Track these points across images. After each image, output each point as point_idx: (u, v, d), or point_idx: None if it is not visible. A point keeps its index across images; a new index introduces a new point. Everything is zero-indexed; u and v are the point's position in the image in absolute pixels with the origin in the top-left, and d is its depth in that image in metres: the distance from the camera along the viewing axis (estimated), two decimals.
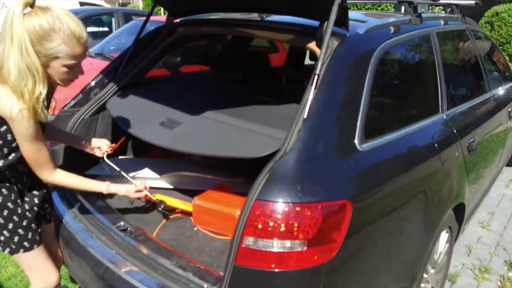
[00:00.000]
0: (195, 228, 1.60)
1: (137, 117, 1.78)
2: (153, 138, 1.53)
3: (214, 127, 1.53)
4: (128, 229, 1.53)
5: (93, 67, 4.04)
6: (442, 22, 2.14)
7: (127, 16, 6.84)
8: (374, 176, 1.24)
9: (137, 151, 2.29)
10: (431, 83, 1.81)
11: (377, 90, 1.40)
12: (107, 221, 1.56)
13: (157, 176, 1.92)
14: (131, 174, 1.94)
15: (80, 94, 1.97)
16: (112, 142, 2.09)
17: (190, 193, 1.88)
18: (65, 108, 1.93)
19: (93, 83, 2.00)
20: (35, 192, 1.44)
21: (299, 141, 1.13)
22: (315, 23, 1.50)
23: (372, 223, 1.21)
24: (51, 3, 1.19)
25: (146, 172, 1.99)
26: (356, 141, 1.24)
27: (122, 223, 1.56)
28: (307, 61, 2.71)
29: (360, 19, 1.64)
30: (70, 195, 1.80)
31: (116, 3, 27.81)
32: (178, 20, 2.10)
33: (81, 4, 8.86)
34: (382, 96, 1.47)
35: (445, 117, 1.80)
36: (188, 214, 1.67)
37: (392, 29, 1.63)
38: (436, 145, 1.59)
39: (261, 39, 1.91)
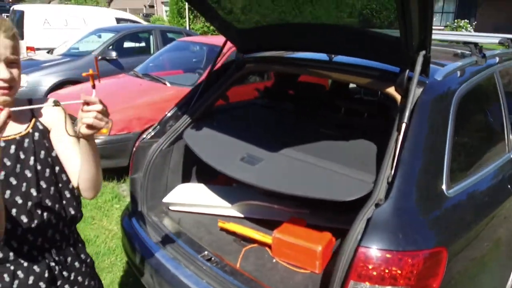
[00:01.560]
0: (274, 260, 1.69)
1: (215, 150, 1.90)
2: (238, 174, 1.64)
3: (295, 166, 1.62)
4: (212, 258, 1.63)
5: (142, 88, 4.25)
6: (501, 58, 2.19)
7: (164, 34, 7.11)
8: (462, 220, 1.31)
9: (200, 177, 2.40)
10: (499, 122, 1.86)
11: (458, 134, 1.47)
12: (191, 250, 1.67)
13: (227, 204, 2.03)
14: (202, 202, 2.06)
15: (158, 126, 2.10)
16: (184, 170, 2.23)
17: (255, 221, 1.99)
18: (145, 139, 2.06)
19: (169, 115, 2.13)
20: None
21: (395, 189, 1.21)
22: (394, 68, 1.59)
23: (463, 266, 1.27)
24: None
25: (214, 200, 2.09)
26: (444, 187, 1.31)
27: (205, 252, 1.66)
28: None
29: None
30: (149, 221, 1.93)
31: (140, 14, 28.83)
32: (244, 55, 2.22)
33: (118, 20, 9.25)
34: (462, 139, 1.54)
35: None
36: (264, 245, 1.76)
37: (464, 72, 1.70)
38: (509, 185, 1.64)
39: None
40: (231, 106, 2.54)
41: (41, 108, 1.10)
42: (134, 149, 2.08)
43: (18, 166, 1.04)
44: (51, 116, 1.13)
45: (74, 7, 10.23)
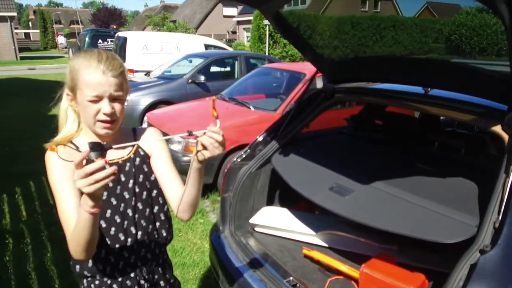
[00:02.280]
0: None
1: (303, 177, 1.95)
2: (327, 204, 1.67)
3: (388, 200, 1.60)
4: (298, 285, 1.66)
5: (229, 111, 4.51)
6: None
7: (247, 60, 7.47)
8: None
9: (283, 201, 2.46)
10: None
11: None
12: (277, 274, 1.72)
13: (311, 232, 2.05)
14: (287, 227, 2.11)
15: (248, 150, 2.22)
16: (268, 193, 2.32)
17: (339, 252, 1.97)
18: (236, 161, 2.20)
19: (259, 139, 2.25)
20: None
21: (503, 236, 1.15)
22: (500, 106, 1.51)
23: None
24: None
25: (298, 225, 2.13)
26: None
27: (291, 278, 1.70)
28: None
29: None
30: (236, 240, 2.03)
31: (224, 39, 30.65)
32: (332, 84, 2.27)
33: (206, 46, 9.95)
34: None
35: None
36: (350, 278, 1.74)
37: None
38: None
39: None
40: (318, 133, 2.59)
41: (167, 139, 1.22)
42: (226, 170, 2.22)
43: (119, 187, 1.14)
44: (152, 144, 1.23)
45: (169, 34, 11.24)
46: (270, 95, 5.10)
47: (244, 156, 2.20)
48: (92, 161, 0.84)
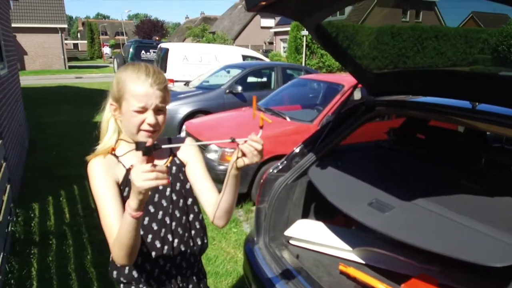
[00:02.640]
0: None
1: (341, 190, 1.92)
2: (366, 220, 1.62)
3: (431, 219, 1.53)
4: None
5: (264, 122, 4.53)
6: None
7: (284, 70, 7.50)
8: None
9: (319, 214, 2.42)
10: None
11: None
12: None
13: (347, 248, 2.00)
14: (323, 241, 2.07)
15: (285, 161, 2.22)
16: (304, 207, 2.29)
17: (377, 270, 1.90)
18: (272, 172, 2.19)
19: (296, 151, 2.23)
20: None
21: None
22: None
23: None
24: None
25: (334, 240, 2.08)
26: None
27: None
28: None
29: None
30: (270, 251, 2.01)
31: (260, 50, 30.98)
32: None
33: (244, 57, 10.10)
34: None
35: None
36: None
37: None
38: None
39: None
40: (357, 146, 2.54)
41: (212, 144, 1.27)
42: (262, 181, 2.22)
43: (157, 196, 1.18)
44: (187, 152, 1.27)
45: (208, 45, 11.53)
46: (307, 106, 5.08)
47: (280, 167, 2.19)
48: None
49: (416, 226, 1.52)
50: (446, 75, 2.00)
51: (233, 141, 1.07)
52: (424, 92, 2.08)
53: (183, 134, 4.78)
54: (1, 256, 2.62)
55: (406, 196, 1.70)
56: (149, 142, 0.91)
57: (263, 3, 1.62)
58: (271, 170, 2.22)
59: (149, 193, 0.92)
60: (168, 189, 1.20)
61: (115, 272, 1.18)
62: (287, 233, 2.11)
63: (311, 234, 2.10)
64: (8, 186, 3.47)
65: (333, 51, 2.11)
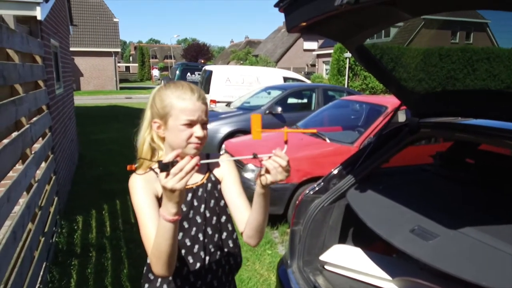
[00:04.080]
0: None
1: (381, 215, 1.81)
2: (408, 248, 1.51)
3: (481, 250, 1.40)
4: None
5: (303, 142, 4.48)
6: None
7: (325, 92, 7.43)
8: None
9: (357, 240, 2.31)
10: None
11: None
12: None
13: (387, 276, 1.87)
14: (360, 268, 1.96)
15: (322, 182, 2.15)
16: (341, 231, 2.19)
17: None
18: (308, 193, 2.13)
19: (334, 172, 2.16)
20: None
21: None
22: None
23: None
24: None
25: (372, 268, 1.96)
26: None
27: None
28: None
29: None
30: (304, 276, 1.93)
31: (302, 72, 31.11)
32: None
33: (285, 79, 10.17)
34: None
35: None
36: None
37: None
38: None
39: None
40: (399, 170, 2.42)
41: (241, 159, 1.25)
42: (297, 202, 2.16)
43: (191, 212, 1.18)
44: (223, 169, 1.27)
45: (250, 67, 11.75)
46: (348, 128, 4.97)
47: (317, 188, 2.13)
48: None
49: (465, 257, 1.39)
50: (497, 95, 1.87)
51: (255, 157, 1.04)
52: (472, 113, 1.95)
53: (222, 152, 4.83)
54: (44, 265, 2.74)
55: (453, 224, 1.57)
56: (193, 156, 0.95)
57: (303, 24, 1.62)
58: (307, 191, 2.16)
59: (184, 196, 0.92)
60: (203, 206, 1.20)
61: (146, 285, 1.19)
62: (323, 258, 2.02)
63: (348, 260, 2.00)
64: (56, 199, 3.66)
65: (376, 72, 2.06)
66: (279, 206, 3.74)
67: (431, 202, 1.85)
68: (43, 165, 3.27)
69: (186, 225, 1.17)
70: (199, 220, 1.18)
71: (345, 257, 2.03)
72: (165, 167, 0.89)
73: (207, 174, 1.24)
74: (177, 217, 0.92)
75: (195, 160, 0.88)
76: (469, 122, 1.95)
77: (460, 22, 2.36)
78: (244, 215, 1.19)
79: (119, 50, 26.79)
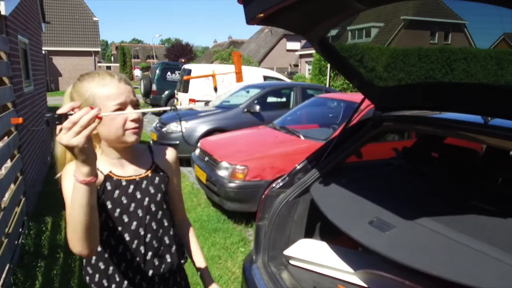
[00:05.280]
0: None
1: (342, 208, 1.82)
2: (364, 239, 1.51)
3: (435, 240, 1.41)
4: None
5: (278, 140, 4.47)
6: None
7: (304, 90, 7.47)
8: None
9: (324, 234, 2.31)
10: None
11: None
12: None
13: (350, 270, 1.88)
14: (324, 262, 1.96)
15: (287, 177, 2.14)
16: (307, 225, 2.18)
17: None
18: (274, 188, 2.12)
19: (298, 167, 2.16)
20: None
21: None
22: None
23: None
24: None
25: (336, 262, 1.96)
26: None
27: None
28: None
29: None
30: (268, 271, 1.92)
31: (286, 72, 31.21)
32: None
33: (265, 78, 10.17)
34: None
35: None
36: None
37: None
38: None
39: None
40: (363, 164, 2.43)
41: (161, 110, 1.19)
42: (263, 197, 2.14)
43: (133, 205, 1.11)
44: (169, 164, 1.23)
45: (229, 66, 11.71)
46: (324, 125, 4.99)
47: (282, 183, 2.12)
48: None
49: (418, 247, 1.40)
50: (458, 89, 1.89)
51: (173, 108, 1.09)
52: (434, 107, 1.97)
53: (197, 151, 4.79)
54: (7, 267, 2.64)
55: (410, 215, 1.58)
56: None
57: (261, 15, 1.60)
58: (272, 186, 2.15)
59: (92, 148, 0.82)
60: (147, 199, 1.14)
61: (87, 278, 1.14)
62: (287, 252, 2.01)
63: (312, 254, 1.99)
64: (23, 199, 3.55)
65: (338, 65, 2.07)
66: (253, 203, 3.72)
67: (392, 195, 1.86)
68: (8, 164, 3.16)
69: (126, 219, 1.11)
70: (140, 214, 1.13)
71: (310, 251, 2.02)
72: (56, 120, 0.78)
73: (152, 167, 1.19)
74: (90, 179, 0.84)
75: (95, 111, 0.79)
76: (428, 115, 1.97)
77: (438, 22, 2.40)
78: (178, 219, 1.31)
79: (99, 49, 26.30)
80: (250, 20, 1.68)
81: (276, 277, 1.87)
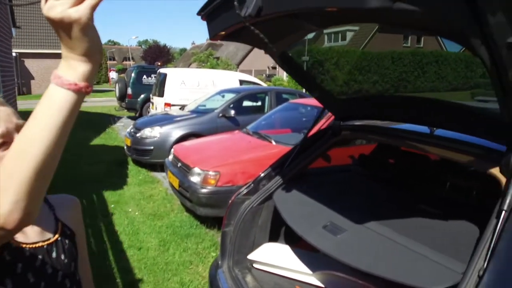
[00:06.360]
0: None
1: (300, 214, 1.93)
2: (317, 242, 1.63)
3: (379, 242, 1.54)
4: None
5: (251, 145, 4.58)
6: None
7: (279, 95, 7.60)
8: None
9: (288, 238, 2.42)
10: None
11: None
12: None
13: (309, 271, 1.99)
14: (285, 264, 2.07)
15: (252, 184, 2.24)
16: (272, 230, 2.29)
17: None
18: (239, 195, 2.21)
19: (262, 175, 2.26)
20: None
21: (482, 286, 1.07)
22: (499, 147, 1.44)
23: None
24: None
25: (297, 264, 2.08)
26: None
27: None
28: None
29: None
30: (232, 275, 2.01)
31: (264, 74, 31.40)
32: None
33: (241, 82, 10.26)
34: None
35: None
36: None
37: None
38: None
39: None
40: (325, 170, 2.56)
41: None
42: (229, 203, 2.24)
43: (43, 284, 0.79)
44: (75, 223, 0.95)
45: (205, 70, 11.76)
46: (296, 130, 5.13)
47: (246, 190, 2.22)
48: None
49: (364, 250, 1.52)
50: (406, 100, 2.04)
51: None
52: (389, 117, 2.12)
53: (171, 157, 4.83)
54: None
55: (360, 219, 1.71)
56: None
57: (222, 33, 1.70)
58: (238, 193, 2.24)
59: (96, 34, 0.55)
60: (60, 273, 0.84)
61: None
62: (251, 256, 2.11)
63: (274, 257, 2.10)
64: None
65: (299, 78, 2.18)
66: (225, 208, 3.79)
67: (346, 200, 1.99)
68: None
69: None
70: None
71: (273, 255, 2.13)
72: None
73: (59, 226, 0.89)
74: (85, 85, 0.56)
75: None
76: (381, 125, 2.11)
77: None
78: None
79: None
80: (212, 36, 1.78)
81: (240, 280, 1.97)
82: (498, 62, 1.05)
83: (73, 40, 0.54)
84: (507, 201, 1.21)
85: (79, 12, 0.51)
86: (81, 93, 0.57)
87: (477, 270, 1.12)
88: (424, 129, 1.90)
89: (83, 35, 0.53)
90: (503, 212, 1.19)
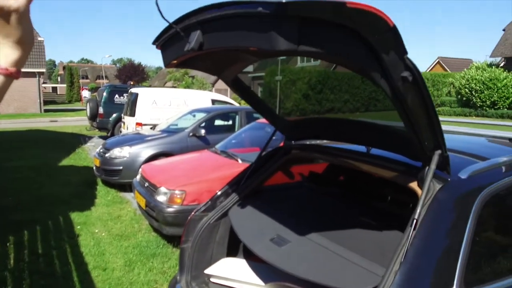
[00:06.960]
0: None
1: (252, 228, 2.07)
2: (263, 253, 1.77)
3: (317, 252, 1.70)
4: None
5: (218, 164, 4.71)
6: None
7: (249, 114, 7.79)
8: None
9: (246, 252, 2.54)
10: None
11: (479, 237, 1.42)
12: None
13: (262, 283, 2.12)
14: (239, 277, 2.18)
15: (209, 202, 2.37)
16: (230, 245, 2.41)
17: None
18: (197, 212, 2.33)
19: (219, 193, 2.39)
20: None
21: (394, 286, 1.23)
22: (418, 163, 1.65)
23: None
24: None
25: (252, 277, 2.20)
26: None
27: None
28: None
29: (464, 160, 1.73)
30: None
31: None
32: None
33: (213, 101, 10.43)
34: (484, 244, 1.47)
35: None
36: None
37: (497, 172, 1.66)
38: None
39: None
40: (279, 187, 2.72)
41: None
42: (187, 221, 2.35)
43: None
44: None
45: (177, 90, 11.90)
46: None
47: (203, 208, 2.34)
48: None
49: (302, 258, 1.67)
50: (342, 122, 2.24)
51: None
52: (331, 137, 2.32)
53: (138, 176, 4.88)
54: None
55: (304, 231, 1.86)
56: None
57: (175, 61, 1.85)
58: (196, 210, 2.36)
59: (30, 23, 0.61)
60: None
61: None
62: (208, 271, 2.21)
63: (230, 271, 2.21)
64: None
65: (251, 101, 2.35)
66: None
67: (295, 215, 2.15)
68: None
69: None
70: None
71: (229, 269, 2.24)
72: None
73: None
74: (15, 70, 0.62)
75: None
76: (325, 144, 2.30)
77: None
78: None
79: (44, 70, 25.36)
80: (166, 64, 1.93)
81: None
82: (397, 93, 1.25)
83: (10, 27, 0.57)
84: (418, 211, 1.39)
85: (19, 2, 0.57)
86: (10, 78, 0.62)
87: (394, 272, 1.29)
88: (362, 148, 2.10)
89: (19, 24, 0.58)
90: (415, 220, 1.38)
